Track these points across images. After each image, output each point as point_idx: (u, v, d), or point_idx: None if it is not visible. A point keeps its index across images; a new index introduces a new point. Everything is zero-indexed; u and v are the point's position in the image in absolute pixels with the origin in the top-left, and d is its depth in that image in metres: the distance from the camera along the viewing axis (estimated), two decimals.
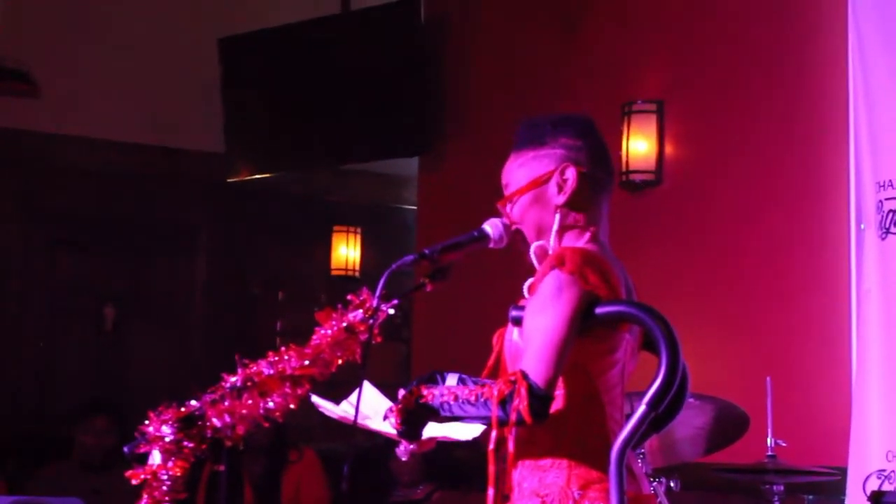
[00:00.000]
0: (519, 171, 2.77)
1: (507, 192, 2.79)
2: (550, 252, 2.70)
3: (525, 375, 2.48)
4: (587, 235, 2.73)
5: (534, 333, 2.54)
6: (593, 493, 2.56)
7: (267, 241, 7.96)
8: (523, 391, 2.46)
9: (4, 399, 7.16)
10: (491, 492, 2.60)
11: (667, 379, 2.49)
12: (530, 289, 2.65)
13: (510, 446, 2.60)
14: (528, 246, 2.76)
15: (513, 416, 2.48)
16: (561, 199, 2.72)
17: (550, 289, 2.56)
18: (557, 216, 2.72)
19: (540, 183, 2.74)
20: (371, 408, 2.78)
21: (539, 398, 2.47)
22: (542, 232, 2.75)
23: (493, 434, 2.54)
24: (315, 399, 2.81)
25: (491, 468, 2.58)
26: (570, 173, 2.72)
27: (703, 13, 5.76)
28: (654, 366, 2.52)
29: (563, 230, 2.73)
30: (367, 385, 2.76)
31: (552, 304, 2.54)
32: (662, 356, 2.50)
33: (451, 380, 2.59)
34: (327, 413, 2.87)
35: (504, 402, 2.48)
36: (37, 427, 7.09)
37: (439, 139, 7.01)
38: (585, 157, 2.75)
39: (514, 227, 2.77)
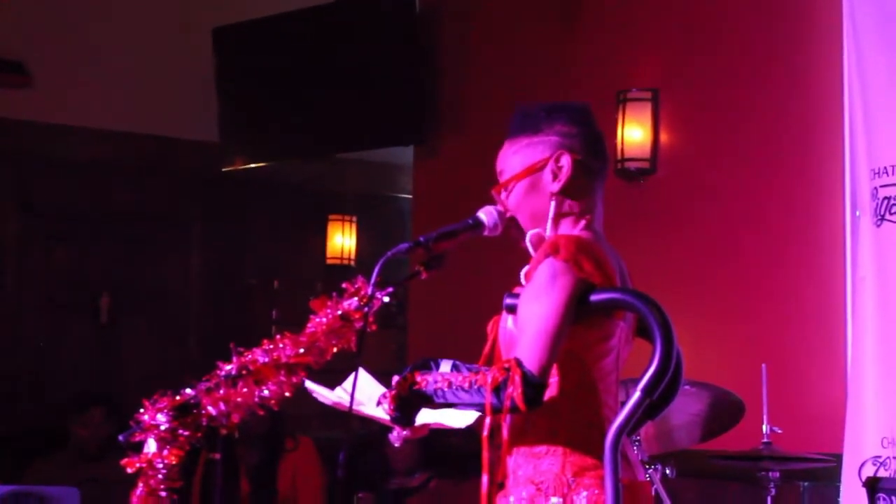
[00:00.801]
0: (513, 157, 2.77)
1: (501, 179, 2.79)
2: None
3: (519, 363, 2.48)
4: (582, 223, 2.73)
5: (528, 321, 2.54)
6: (588, 479, 2.57)
7: (262, 230, 7.95)
8: (517, 378, 2.46)
9: (2, 391, 7.15)
10: (485, 479, 2.60)
11: (661, 366, 2.49)
12: (527, 276, 2.65)
13: (504, 433, 2.61)
14: (522, 233, 2.76)
15: (506, 404, 2.48)
16: (556, 187, 2.72)
17: (545, 276, 2.56)
18: (553, 203, 2.72)
19: (535, 170, 2.74)
20: (365, 394, 2.78)
21: (533, 386, 2.47)
22: (536, 219, 2.74)
23: (488, 421, 2.55)
24: (309, 385, 2.81)
25: (485, 455, 2.58)
26: (565, 161, 2.72)
27: (699, 0, 5.75)
28: (649, 353, 2.51)
29: (558, 217, 2.73)
30: (361, 371, 2.76)
31: (546, 292, 2.54)
32: (657, 343, 2.50)
33: (445, 366, 2.59)
34: (321, 399, 2.87)
35: (498, 390, 2.48)
36: (33, 418, 7.09)
37: (434, 127, 6.99)
38: (580, 144, 2.75)
39: (508, 214, 2.77)
